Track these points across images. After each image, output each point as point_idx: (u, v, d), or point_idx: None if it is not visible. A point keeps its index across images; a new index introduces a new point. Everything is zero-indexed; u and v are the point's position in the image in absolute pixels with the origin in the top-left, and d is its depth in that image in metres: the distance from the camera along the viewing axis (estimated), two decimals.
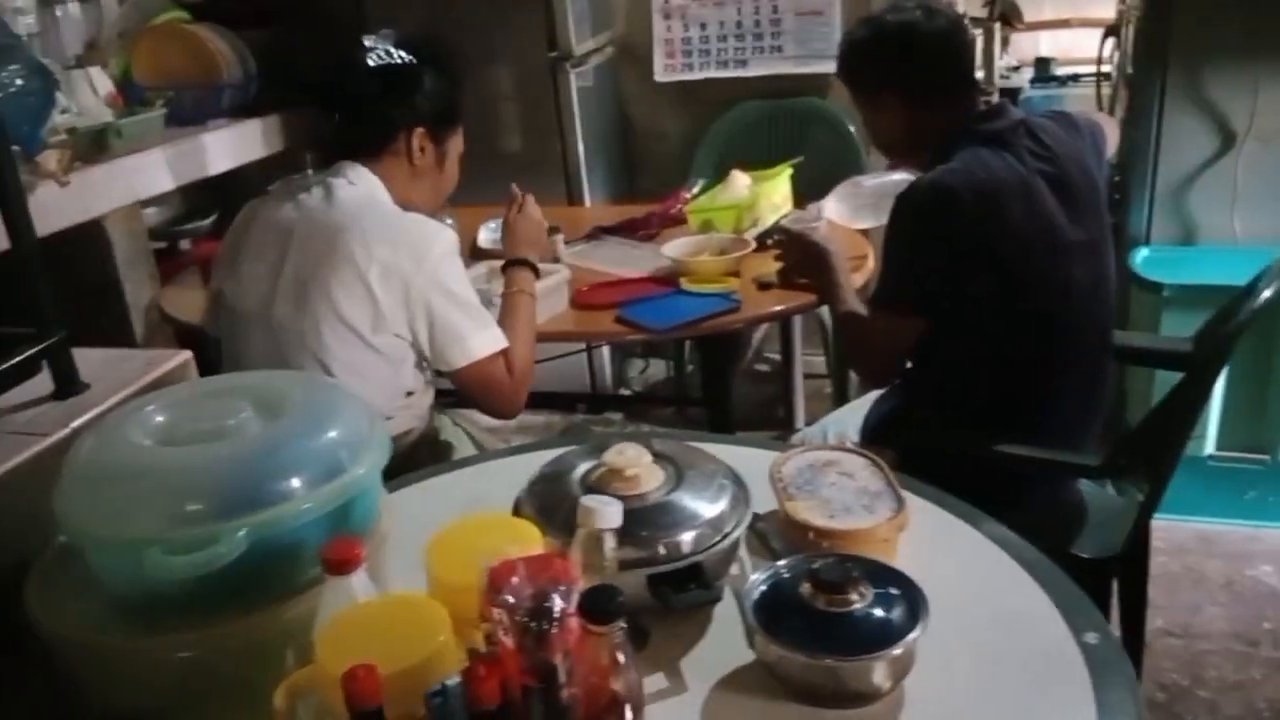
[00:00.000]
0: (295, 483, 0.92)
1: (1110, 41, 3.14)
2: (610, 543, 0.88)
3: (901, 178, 2.05)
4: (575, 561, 0.79)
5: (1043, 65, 4.26)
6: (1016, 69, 4.22)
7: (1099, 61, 3.18)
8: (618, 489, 1.07)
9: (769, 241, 2.08)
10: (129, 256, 2.37)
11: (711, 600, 1.03)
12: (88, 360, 1.20)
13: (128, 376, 1.18)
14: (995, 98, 3.05)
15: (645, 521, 1.04)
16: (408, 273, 1.54)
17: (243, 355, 1.63)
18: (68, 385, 1.14)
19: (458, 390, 1.69)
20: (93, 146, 2.31)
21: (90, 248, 2.31)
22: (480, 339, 1.61)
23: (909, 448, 1.57)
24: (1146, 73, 2.57)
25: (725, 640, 1.04)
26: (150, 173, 2.41)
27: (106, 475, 0.91)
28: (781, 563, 1.03)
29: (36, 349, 1.10)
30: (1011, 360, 1.61)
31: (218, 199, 2.95)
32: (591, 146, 3.01)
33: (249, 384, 1.05)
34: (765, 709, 0.95)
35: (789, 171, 2.27)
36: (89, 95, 2.51)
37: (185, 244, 2.87)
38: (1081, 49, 4.14)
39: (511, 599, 0.71)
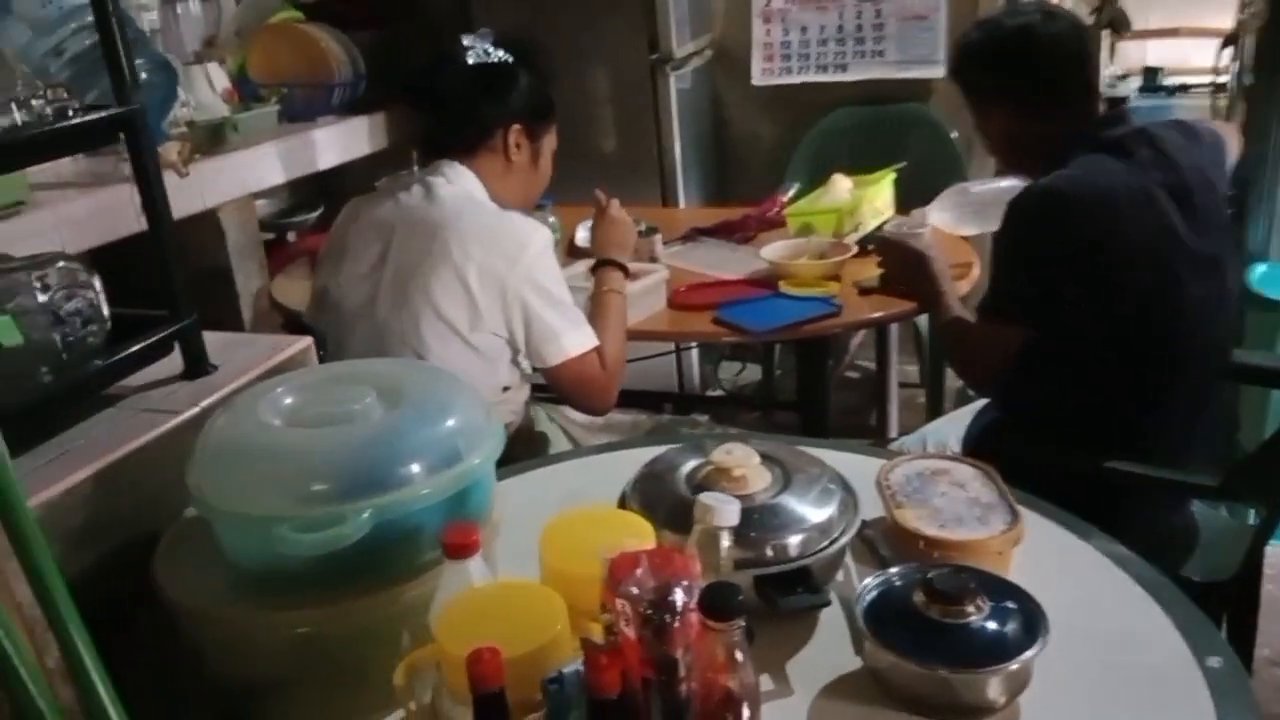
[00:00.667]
0: (415, 468, 0.94)
1: (1227, 51, 3.03)
2: (726, 541, 0.88)
3: (1010, 184, 2.00)
4: (693, 558, 0.79)
5: (1150, 75, 4.12)
6: (1123, 78, 4.09)
7: (1215, 71, 3.06)
8: (725, 489, 1.07)
9: (870, 247, 2.05)
10: (240, 246, 2.45)
11: (819, 604, 1.02)
12: (213, 343, 1.24)
13: (253, 360, 1.22)
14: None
15: (753, 522, 1.03)
16: (503, 271, 1.56)
17: (346, 351, 1.67)
18: (197, 366, 1.18)
19: (551, 387, 1.71)
20: (210, 139, 2.40)
21: (204, 237, 2.40)
22: (574, 337, 1.63)
23: (1012, 461, 1.53)
24: (1268, 83, 2.48)
25: (831, 646, 1.03)
26: (263, 166, 2.49)
27: (238, 453, 0.95)
28: (893, 570, 1.02)
29: (171, 330, 1.14)
30: (1123, 374, 1.56)
31: (323, 193, 3.03)
32: (687, 149, 3.01)
33: (372, 371, 1.08)
34: (872, 716, 0.94)
35: (892, 176, 2.24)
36: (206, 90, 2.61)
37: (291, 236, 2.95)
38: (1190, 59, 4.00)
39: (636, 590, 0.72)
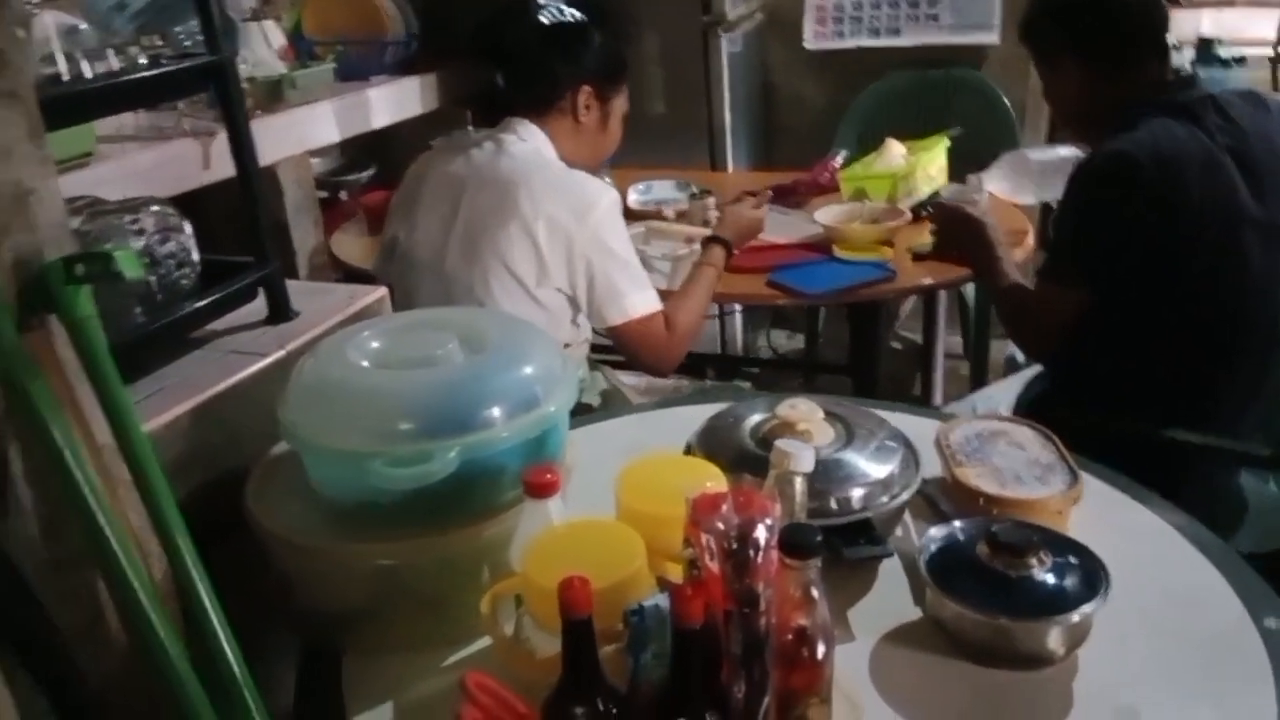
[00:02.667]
0: (496, 412, 0.98)
1: None
2: (801, 486, 0.90)
3: (1069, 153, 2.00)
4: (772, 498, 0.82)
5: (1205, 45, 4.04)
6: (1177, 48, 4.01)
7: (1277, 43, 3.01)
8: None
9: (924, 213, 2.05)
10: (297, 203, 2.49)
11: (882, 555, 1.05)
12: (293, 291, 1.28)
13: (332, 307, 1.26)
14: None
15: (817, 475, 1.05)
16: (571, 229, 1.59)
17: (414, 302, 1.70)
18: (281, 311, 1.23)
19: (614, 345, 1.74)
20: (269, 96, 2.44)
21: (263, 192, 2.44)
22: (636, 298, 1.65)
23: (1064, 428, 1.54)
24: None
25: (891, 596, 1.06)
26: (319, 124, 2.53)
27: (330, 391, 0.99)
28: (956, 523, 1.04)
29: (257, 275, 1.18)
30: (1178, 342, 1.56)
31: (374, 152, 3.07)
32: (736, 112, 3.01)
33: (453, 319, 1.12)
34: (932, 663, 0.97)
35: (946, 143, 2.23)
36: (263, 47, 2.64)
37: (343, 194, 2.99)
38: (1246, 29, 3.92)
39: (721, 526, 0.75)
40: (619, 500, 0.97)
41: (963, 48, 3.03)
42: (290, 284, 1.28)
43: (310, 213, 2.57)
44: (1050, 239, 1.63)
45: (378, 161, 3.07)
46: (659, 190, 2.51)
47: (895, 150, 2.23)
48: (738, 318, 3.18)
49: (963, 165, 2.33)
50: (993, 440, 1.22)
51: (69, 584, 0.83)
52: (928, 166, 2.18)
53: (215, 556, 0.99)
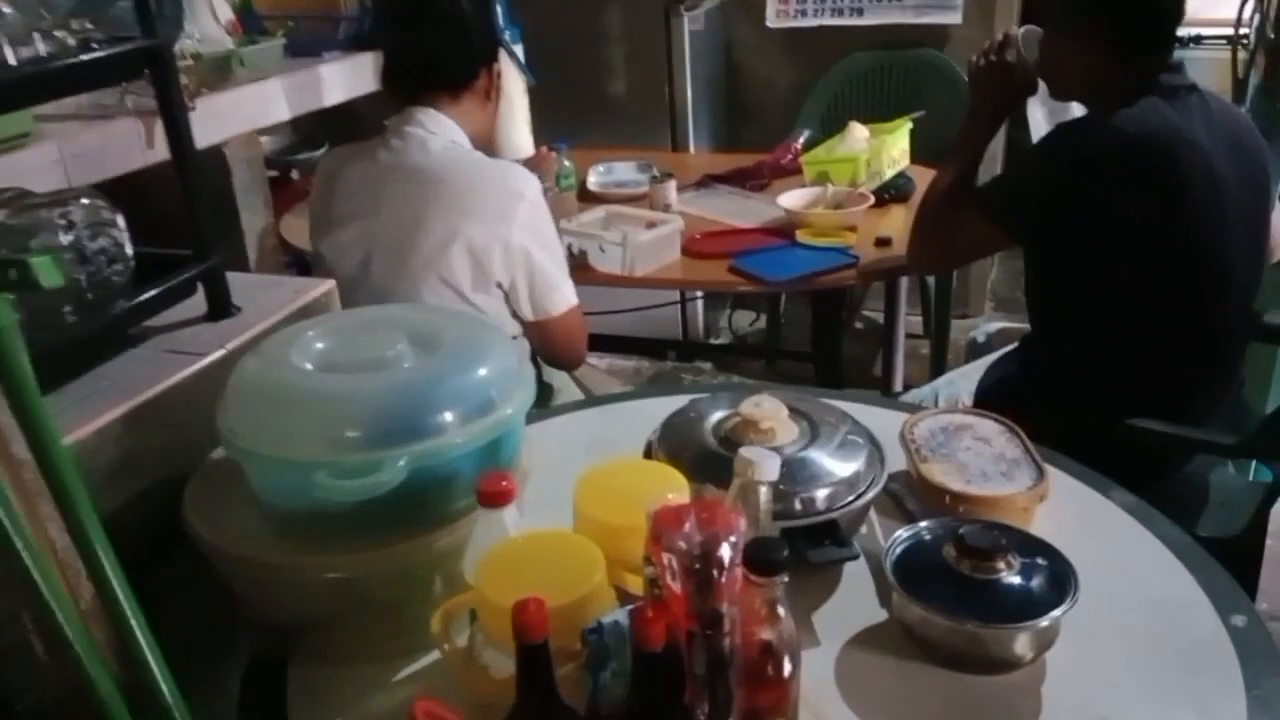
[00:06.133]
0: (449, 417, 0.93)
1: (1250, 2, 2.98)
2: (765, 494, 0.88)
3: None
4: (736, 512, 0.79)
5: None
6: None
7: (1237, 24, 3.01)
8: (753, 441, 1.07)
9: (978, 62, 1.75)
10: (246, 183, 2.40)
11: (848, 558, 1.02)
12: (235, 285, 1.22)
13: (276, 303, 1.20)
14: None
15: (781, 475, 1.02)
16: (504, 223, 1.53)
17: None
18: (221, 308, 1.17)
19: (537, 338, 1.66)
20: (216, 73, 2.35)
21: (210, 173, 2.35)
22: (569, 288, 1.63)
23: (1026, 417, 1.53)
24: None
25: (856, 598, 1.04)
26: (270, 102, 2.44)
27: (272, 397, 0.94)
28: (922, 524, 1.02)
29: (196, 270, 1.13)
30: (1151, 331, 1.56)
31: (327, 129, 2.99)
32: (698, 93, 2.97)
33: (404, 317, 1.07)
34: (899, 667, 0.95)
35: (909, 125, 2.21)
36: (210, 22, 2.54)
37: (295, 174, 2.91)
38: (1208, 9, 3.94)
39: (683, 545, 0.72)
40: (577, 509, 0.93)
41: (927, 28, 3.01)
42: (232, 277, 1.21)
43: (260, 193, 2.48)
44: (1005, 175, 1.62)
45: (331, 139, 2.99)
46: (620, 172, 2.46)
47: (858, 133, 2.20)
48: (699, 300, 3.15)
49: (926, 147, 2.31)
50: (958, 435, 1.21)
51: None
52: (891, 150, 2.16)
53: (155, 565, 0.94)
